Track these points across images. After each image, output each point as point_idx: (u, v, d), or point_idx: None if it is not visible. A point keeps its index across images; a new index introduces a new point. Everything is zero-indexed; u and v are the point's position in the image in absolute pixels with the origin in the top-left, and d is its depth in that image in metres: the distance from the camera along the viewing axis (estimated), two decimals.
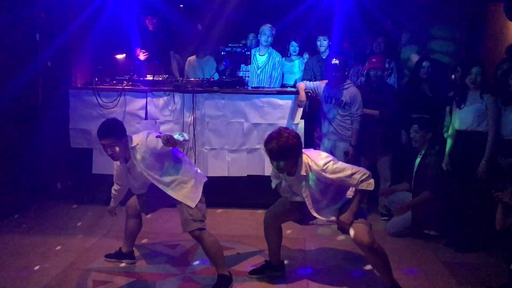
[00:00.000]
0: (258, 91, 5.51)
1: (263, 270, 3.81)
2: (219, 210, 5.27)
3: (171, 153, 3.62)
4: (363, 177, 3.28)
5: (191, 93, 5.32)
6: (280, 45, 6.30)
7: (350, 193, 3.50)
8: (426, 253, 4.35)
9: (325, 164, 3.29)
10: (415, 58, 5.85)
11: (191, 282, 3.71)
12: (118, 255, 4.01)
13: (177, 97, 5.34)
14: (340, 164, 3.33)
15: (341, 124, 5.09)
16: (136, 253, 4.11)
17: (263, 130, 5.21)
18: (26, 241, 4.41)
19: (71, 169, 5.62)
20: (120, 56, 6.00)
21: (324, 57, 5.97)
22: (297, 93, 5.24)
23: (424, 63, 5.22)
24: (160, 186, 3.60)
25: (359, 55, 6.17)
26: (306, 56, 6.44)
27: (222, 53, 5.49)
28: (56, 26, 5.56)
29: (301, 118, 5.28)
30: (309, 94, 5.23)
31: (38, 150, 5.47)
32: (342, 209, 3.48)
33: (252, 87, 5.78)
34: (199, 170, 3.81)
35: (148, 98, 5.38)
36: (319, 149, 4.63)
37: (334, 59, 5.01)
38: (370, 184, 3.31)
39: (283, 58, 6.23)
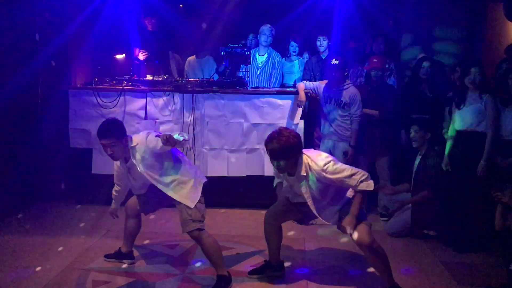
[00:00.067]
0: (258, 91, 5.52)
1: (263, 270, 3.81)
2: (219, 210, 5.27)
3: (171, 153, 3.62)
4: (362, 178, 3.29)
5: (190, 93, 5.32)
6: (279, 45, 6.30)
7: (350, 193, 3.50)
8: (425, 253, 4.35)
9: (325, 164, 3.29)
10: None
11: (190, 282, 3.71)
12: (118, 255, 4.01)
13: (177, 97, 5.35)
14: (340, 165, 3.33)
15: (341, 125, 5.09)
16: (136, 253, 4.11)
17: (263, 130, 5.22)
18: (26, 241, 4.41)
19: (70, 169, 5.62)
20: (119, 56, 6.01)
21: (323, 57, 5.97)
22: (296, 93, 5.24)
23: (424, 64, 5.22)
24: (160, 186, 3.60)
25: (358, 55, 6.17)
26: (306, 56, 6.44)
27: (222, 53, 5.50)
28: (55, 26, 5.56)
29: (301, 118, 5.29)
30: (308, 94, 5.23)
31: (38, 150, 5.46)
32: (343, 210, 3.48)
33: (251, 87, 5.78)
34: (198, 171, 3.81)
35: (148, 98, 5.39)
36: (318, 149, 4.63)
37: (333, 59, 5.01)
38: (369, 185, 3.31)
39: (283, 58, 6.23)
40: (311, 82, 5.34)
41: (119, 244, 4.05)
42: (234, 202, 5.45)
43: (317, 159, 3.33)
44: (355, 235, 3.31)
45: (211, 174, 5.19)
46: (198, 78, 5.75)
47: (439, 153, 4.69)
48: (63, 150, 5.50)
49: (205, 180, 3.72)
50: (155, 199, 3.81)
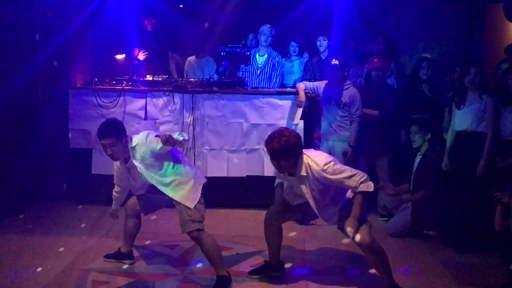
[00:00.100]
0: (258, 92, 5.52)
1: (263, 271, 3.80)
2: (219, 210, 5.27)
3: (171, 154, 3.62)
4: (362, 179, 3.28)
5: (190, 93, 5.32)
6: (279, 45, 6.30)
7: (350, 193, 3.50)
8: (425, 253, 4.35)
9: (326, 164, 3.29)
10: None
11: (190, 282, 3.71)
12: (118, 256, 4.01)
13: (177, 98, 5.35)
14: (340, 166, 3.33)
15: (340, 125, 5.09)
16: (136, 253, 4.11)
17: (263, 131, 5.22)
18: (25, 241, 4.41)
19: (70, 170, 5.62)
20: (119, 57, 6.01)
21: (323, 58, 5.97)
22: (296, 93, 5.24)
23: (424, 64, 5.22)
24: (159, 187, 3.59)
25: (358, 55, 6.17)
26: (306, 56, 6.44)
27: (222, 53, 5.49)
28: (55, 27, 5.56)
29: (301, 119, 5.29)
30: (308, 94, 5.23)
31: (38, 151, 5.47)
32: (343, 210, 3.48)
33: (251, 87, 5.78)
34: (198, 171, 3.81)
35: (148, 98, 5.39)
36: (318, 150, 4.63)
37: (333, 60, 5.01)
38: (369, 186, 3.31)
39: (283, 59, 6.23)
40: (311, 82, 5.33)
41: (119, 244, 4.05)
42: (234, 202, 5.45)
43: (317, 159, 3.33)
44: (358, 237, 3.29)
45: (211, 174, 5.20)
46: (198, 78, 5.75)
47: (439, 153, 4.68)
48: (63, 150, 5.50)
49: (204, 180, 3.72)
50: (155, 200, 3.81)
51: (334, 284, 3.70)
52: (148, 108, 5.39)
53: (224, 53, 5.48)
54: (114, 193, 4.00)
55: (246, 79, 5.78)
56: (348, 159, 4.99)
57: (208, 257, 3.59)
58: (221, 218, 5.13)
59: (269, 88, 5.88)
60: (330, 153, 4.68)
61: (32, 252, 4.18)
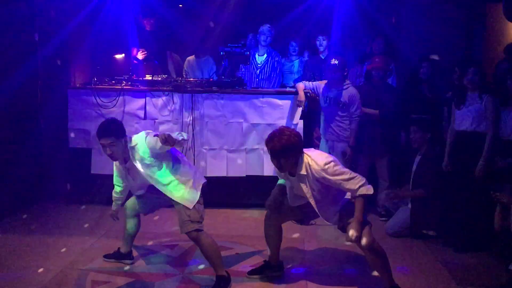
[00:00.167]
0: (257, 91, 5.52)
1: (262, 270, 3.80)
2: (218, 210, 5.26)
3: (170, 154, 3.62)
4: (360, 182, 3.27)
5: (190, 93, 5.32)
6: (279, 45, 6.30)
7: (349, 194, 3.50)
8: (424, 253, 4.35)
9: (326, 164, 3.29)
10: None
11: (189, 282, 3.70)
12: (117, 256, 4.01)
13: (176, 97, 5.34)
14: (340, 167, 3.33)
15: (340, 125, 5.09)
16: (135, 253, 4.11)
17: (262, 130, 5.22)
18: (25, 241, 4.41)
19: (70, 169, 5.61)
20: (119, 56, 6.01)
21: (323, 58, 5.97)
22: (296, 93, 5.24)
23: (424, 64, 5.22)
24: (159, 187, 3.59)
25: (358, 55, 6.16)
26: (306, 55, 6.44)
27: (221, 53, 5.48)
28: (55, 26, 5.56)
29: (300, 118, 5.29)
30: (308, 94, 5.23)
31: (37, 150, 5.47)
32: (343, 210, 3.48)
33: (251, 87, 5.77)
34: (198, 171, 3.81)
35: (147, 98, 5.38)
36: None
37: (333, 60, 5.00)
38: (369, 189, 3.30)
39: (283, 58, 6.23)
40: (310, 82, 5.33)
41: (119, 244, 4.05)
42: (234, 202, 5.44)
43: (317, 159, 3.33)
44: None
45: (210, 174, 5.19)
46: (198, 78, 5.74)
47: (438, 153, 4.68)
48: (63, 150, 5.50)
49: (204, 181, 3.71)
50: (154, 200, 3.80)
51: (333, 284, 3.70)
52: (147, 107, 5.39)
53: (224, 53, 5.47)
54: (114, 194, 3.99)
55: (246, 79, 5.77)
56: (348, 159, 4.99)
57: (207, 257, 3.58)
58: (221, 218, 5.13)
59: (269, 88, 5.87)
60: (329, 153, 4.68)
61: (31, 252, 4.18)
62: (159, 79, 5.52)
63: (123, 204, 4.01)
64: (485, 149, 4.21)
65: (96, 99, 5.31)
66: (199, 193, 3.60)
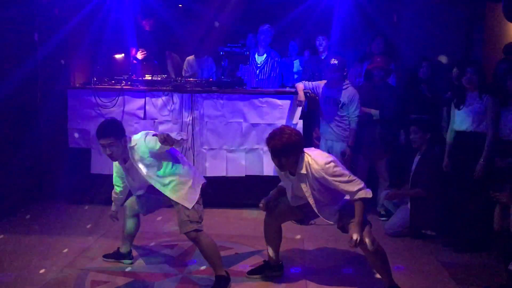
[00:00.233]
0: (257, 91, 5.51)
1: (262, 270, 3.80)
2: (218, 210, 5.26)
3: (170, 154, 3.61)
4: (359, 186, 3.28)
5: (189, 93, 5.31)
6: (279, 45, 6.30)
7: (348, 197, 3.49)
8: (424, 253, 4.35)
9: (326, 164, 3.29)
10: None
11: (189, 282, 3.70)
12: (116, 255, 4.01)
13: (176, 97, 5.34)
14: (340, 169, 3.32)
15: (339, 125, 5.09)
16: (135, 253, 4.11)
17: (262, 130, 5.22)
18: (25, 241, 4.40)
19: (69, 169, 5.61)
20: (118, 56, 6.01)
21: (323, 57, 5.97)
22: (296, 93, 5.24)
23: (423, 64, 5.22)
24: (158, 187, 3.59)
25: (358, 55, 6.16)
26: (306, 54, 6.44)
27: (221, 53, 5.48)
28: (54, 26, 5.55)
29: (300, 118, 5.29)
30: (308, 94, 5.23)
31: (36, 150, 5.46)
32: (343, 209, 3.48)
33: (251, 87, 5.77)
34: (197, 172, 3.81)
35: (147, 98, 5.38)
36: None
37: (332, 59, 5.00)
38: (368, 193, 3.30)
39: (282, 58, 6.23)
40: (310, 82, 5.33)
41: (118, 244, 4.05)
42: (233, 202, 5.44)
43: (318, 158, 3.33)
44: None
45: (210, 174, 5.19)
46: (197, 78, 5.74)
47: (438, 153, 4.68)
48: (62, 150, 5.49)
49: (203, 181, 3.71)
50: (154, 200, 3.80)
51: (333, 284, 3.70)
52: (147, 107, 5.39)
53: (223, 53, 5.47)
54: (113, 194, 3.99)
55: (245, 78, 5.77)
56: (347, 159, 4.99)
57: (207, 257, 3.58)
58: (220, 218, 5.12)
59: (268, 88, 5.87)
60: (329, 153, 4.68)
61: (31, 252, 4.17)
62: (159, 79, 5.52)
63: (122, 204, 4.01)
64: (485, 149, 4.21)
65: (95, 99, 5.31)
66: (198, 193, 3.60)
